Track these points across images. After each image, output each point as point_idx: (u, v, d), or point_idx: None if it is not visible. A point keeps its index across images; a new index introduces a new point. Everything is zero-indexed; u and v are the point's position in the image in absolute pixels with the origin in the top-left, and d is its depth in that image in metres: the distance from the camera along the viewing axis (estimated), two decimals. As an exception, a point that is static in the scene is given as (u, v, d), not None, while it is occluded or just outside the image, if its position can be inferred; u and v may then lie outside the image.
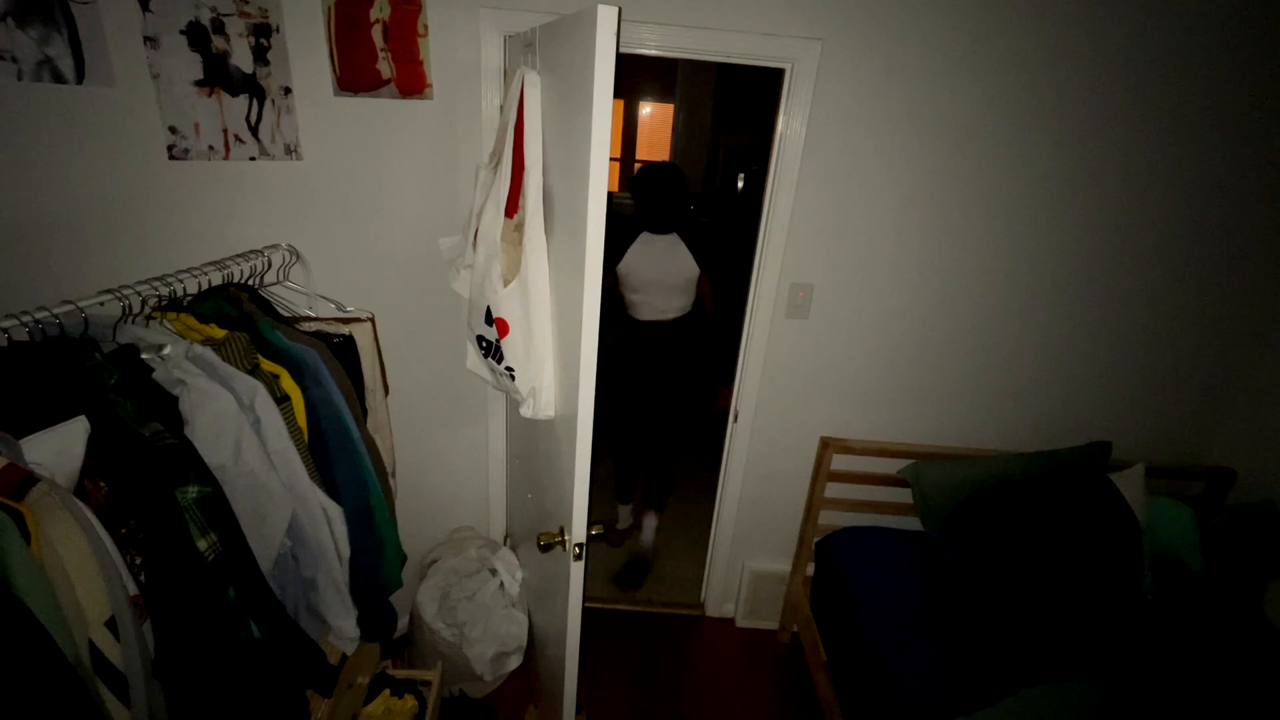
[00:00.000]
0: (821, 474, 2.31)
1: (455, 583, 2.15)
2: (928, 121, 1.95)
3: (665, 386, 2.64)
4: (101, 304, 1.10)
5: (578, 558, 1.37)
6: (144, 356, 1.09)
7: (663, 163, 4.52)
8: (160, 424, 0.98)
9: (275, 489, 1.20)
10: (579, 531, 1.34)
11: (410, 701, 1.78)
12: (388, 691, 1.78)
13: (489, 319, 1.52)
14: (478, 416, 2.27)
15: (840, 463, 2.32)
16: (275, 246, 1.74)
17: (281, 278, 1.74)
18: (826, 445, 2.29)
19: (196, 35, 1.60)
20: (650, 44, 1.85)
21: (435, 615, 2.06)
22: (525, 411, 1.56)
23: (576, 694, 1.55)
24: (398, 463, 1.99)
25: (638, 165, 5.69)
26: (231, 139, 1.69)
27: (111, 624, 0.81)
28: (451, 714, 2.04)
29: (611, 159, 1.08)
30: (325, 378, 1.41)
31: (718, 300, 2.55)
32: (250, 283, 1.59)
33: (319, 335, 1.54)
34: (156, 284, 1.22)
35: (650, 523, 2.94)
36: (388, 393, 1.83)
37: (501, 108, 1.81)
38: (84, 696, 0.77)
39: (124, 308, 1.15)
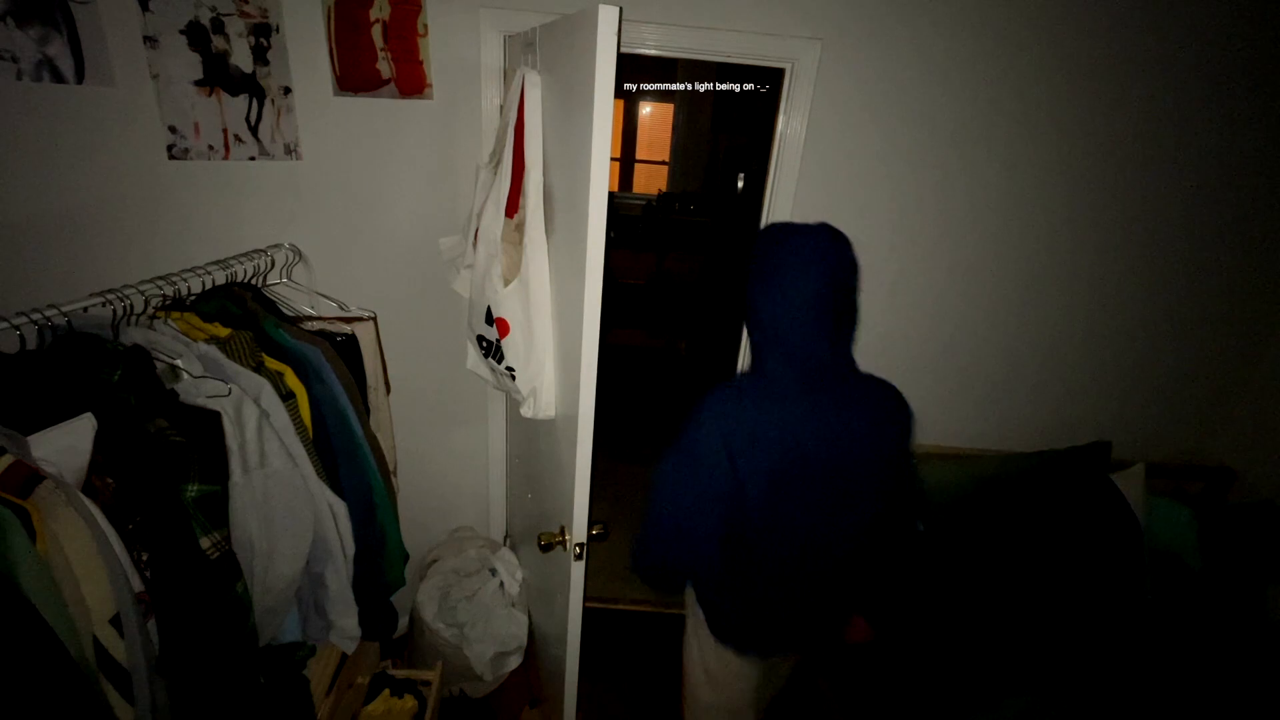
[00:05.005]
0: (821, 473, 2.31)
1: (455, 583, 2.15)
2: (927, 121, 1.96)
3: None
4: (104, 303, 1.11)
5: (579, 558, 1.37)
6: (173, 386, 1.10)
7: None
8: (166, 420, 0.98)
9: (300, 485, 1.21)
10: (580, 531, 1.34)
11: (410, 701, 1.78)
12: (388, 691, 1.78)
13: (489, 319, 1.53)
14: (478, 416, 2.27)
15: (840, 462, 2.32)
16: (278, 246, 1.75)
17: (284, 277, 1.75)
18: (826, 445, 2.29)
19: (196, 35, 1.60)
20: (650, 44, 1.85)
21: (435, 615, 2.06)
22: (526, 411, 1.56)
23: (577, 694, 1.55)
24: (398, 462, 1.99)
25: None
26: (231, 139, 1.70)
27: (116, 621, 0.81)
28: (451, 714, 2.04)
29: (611, 159, 1.08)
30: (329, 375, 1.41)
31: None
32: (254, 282, 1.60)
33: (322, 334, 1.55)
34: (161, 283, 1.23)
35: None
36: (389, 391, 1.83)
37: (501, 108, 1.81)
38: (88, 693, 0.77)
39: (126, 307, 1.15)
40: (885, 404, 1.31)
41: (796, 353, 1.18)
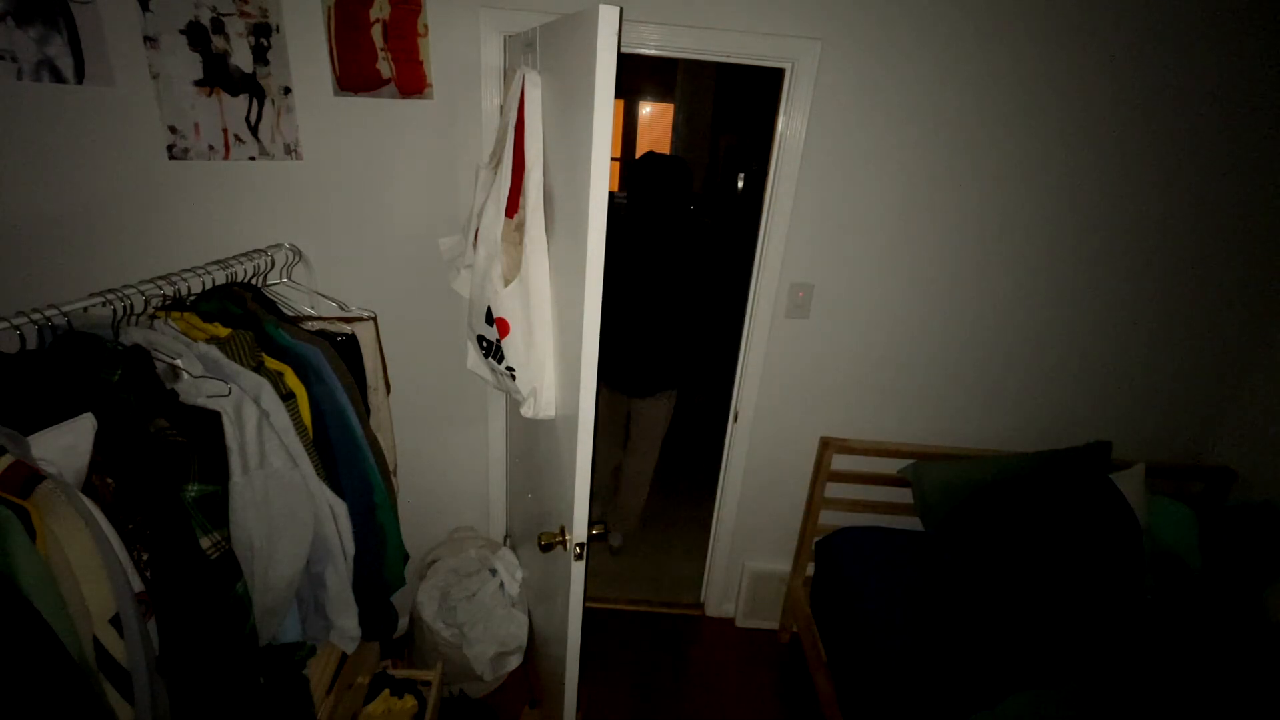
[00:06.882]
0: (821, 474, 2.31)
1: (455, 583, 2.15)
2: (928, 121, 1.96)
3: None
4: (104, 303, 1.11)
5: (579, 557, 1.37)
6: (173, 386, 1.10)
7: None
8: (166, 420, 0.98)
9: (300, 485, 1.21)
10: (580, 531, 1.34)
11: (410, 701, 1.78)
12: (388, 691, 1.78)
13: (489, 319, 1.53)
14: (478, 416, 2.27)
15: (840, 463, 2.32)
16: (279, 246, 1.75)
17: (284, 277, 1.75)
18: (826, 445, 2.29)
19: (196, 35, 1.60)
20: (650, 44, 1.85)
21: (435, 615, 2.06)
22: (526, 411, 1.56)
23: (577, 694, 1.55)
24: (398, 462, 1.99)
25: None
26: (231, 139, 1.70)
27: (116, 621, 0.81)
28: (451, 714, 2.04)
29: (612, 159, 1.09)
30: (329, 375, 1.41)
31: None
32: (254, 282, 1.60)
33: (322, 334, 1.55)
34: (161, 283, 1.23)
35: None
36: (389, 391, 1.83)
37: (501, 108, 1.81)
38: (88, 693, 0.77)
39: (126, 307, 1.15)
40: (688, 237, 2.38)
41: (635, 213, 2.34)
